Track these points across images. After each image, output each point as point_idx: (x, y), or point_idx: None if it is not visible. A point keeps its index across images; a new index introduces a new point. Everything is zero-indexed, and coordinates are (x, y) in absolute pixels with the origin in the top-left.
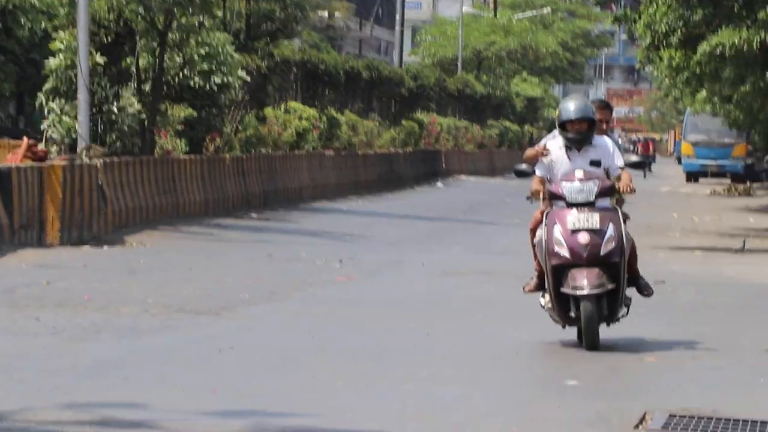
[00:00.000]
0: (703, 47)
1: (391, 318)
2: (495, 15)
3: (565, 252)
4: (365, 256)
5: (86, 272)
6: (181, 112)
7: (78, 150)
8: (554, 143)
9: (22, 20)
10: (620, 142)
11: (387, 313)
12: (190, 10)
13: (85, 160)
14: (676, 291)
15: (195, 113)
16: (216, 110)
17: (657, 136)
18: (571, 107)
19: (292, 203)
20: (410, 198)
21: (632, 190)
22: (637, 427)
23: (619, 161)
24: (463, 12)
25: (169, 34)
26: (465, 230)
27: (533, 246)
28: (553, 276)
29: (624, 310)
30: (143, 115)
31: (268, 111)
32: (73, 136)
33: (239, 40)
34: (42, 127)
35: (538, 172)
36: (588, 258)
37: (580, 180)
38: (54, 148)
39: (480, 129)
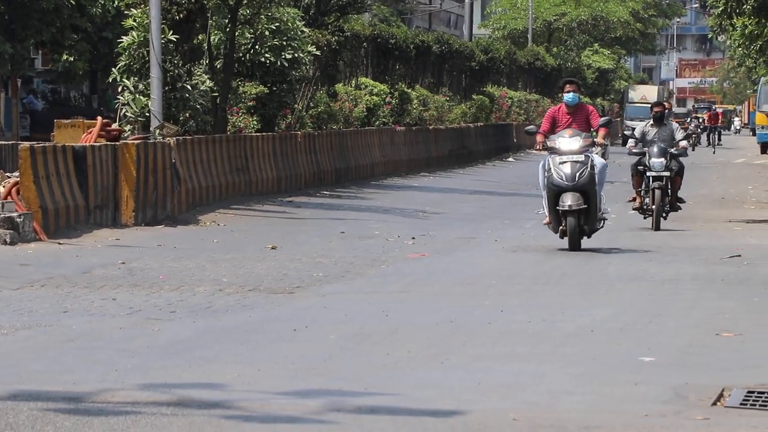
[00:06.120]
0: None
1: (464, 295)
2: None
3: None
4: (438, 232)
5: (161, 252)
6: (252, 89)
7: (151, 128)
8: None
9: None
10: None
11: (460, 290)
12: None
13: (159, 138)
14: (752, 264)
15: (266, 90)
16: (287, 87)
17: (731, 107)
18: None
19: (363, 180)
20: (482, 173)
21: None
22: (714, 404)
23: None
24: None
25: (240, 10)
26: (537, 205)
27: None
28: None
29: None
30: (215, 93)
31: (339, 87)
32: (147, 114)
33: (309, 16)
34: (116, 106)
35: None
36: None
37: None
38: (128, 127)
39: (551, 102)
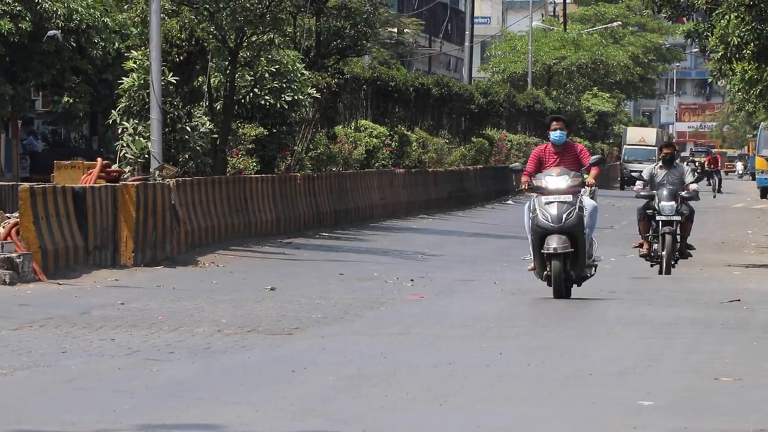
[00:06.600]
0: None
1: (463, 337)
2: (565, 29)
3: None
4: (437, 274)
5: (160, 293)
6: (252, 130)
7: (151, 170)
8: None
9: (96, 40)
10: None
11: (459, 332)
12: (261, 28)
13: (158, 179)
14: (752, 309)
15: (266, 132)
16: (286, 128)
17: (730, 151)
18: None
19: (362, 222)
20: (481, 216)
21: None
22: None
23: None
24: (532, 27)
25: (240, 53)
26: None
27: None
28: None
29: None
30: (215, 135)
31: (339, 129)
32: (147, 155)
33: (309, 58)
34: (115, 147)
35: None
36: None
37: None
38: (128, 168)
39: None
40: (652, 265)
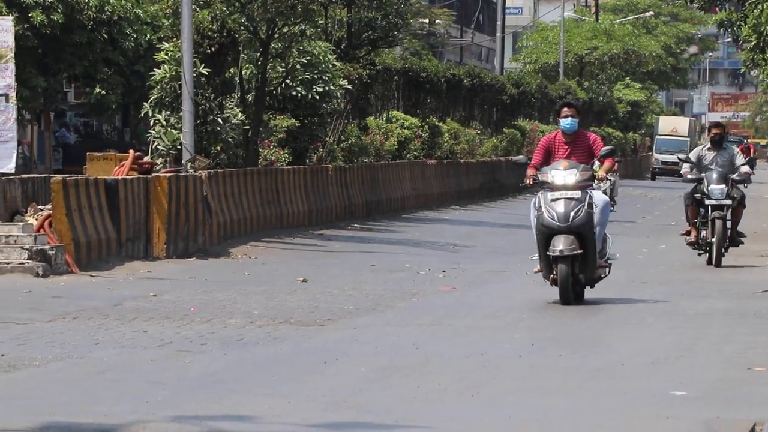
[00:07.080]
0: None
1: (495, 328)
2: (597, 19)
3: None
4: (468, 265)
5: (192, 284)
6: (283, 122)
7: (183, 161)
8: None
9: (128, 31)
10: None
11: (491, 323)
12: (292, 19)
13: (191, 171)
14: None
15: (297, 123)
16: (318, 120)
17: (762, 141)
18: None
19: (394, 213)
20: (513, 207)
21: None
22: None
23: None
24: (564, 17)
25: (272, 44)
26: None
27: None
28: None
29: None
30: (247, 126)
31: (370, 120)
32: (179, 147)
33: (340, 49)
34: (148, 139)
35: None
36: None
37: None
38: (160, 160)
39: None
40: (699, 254)
